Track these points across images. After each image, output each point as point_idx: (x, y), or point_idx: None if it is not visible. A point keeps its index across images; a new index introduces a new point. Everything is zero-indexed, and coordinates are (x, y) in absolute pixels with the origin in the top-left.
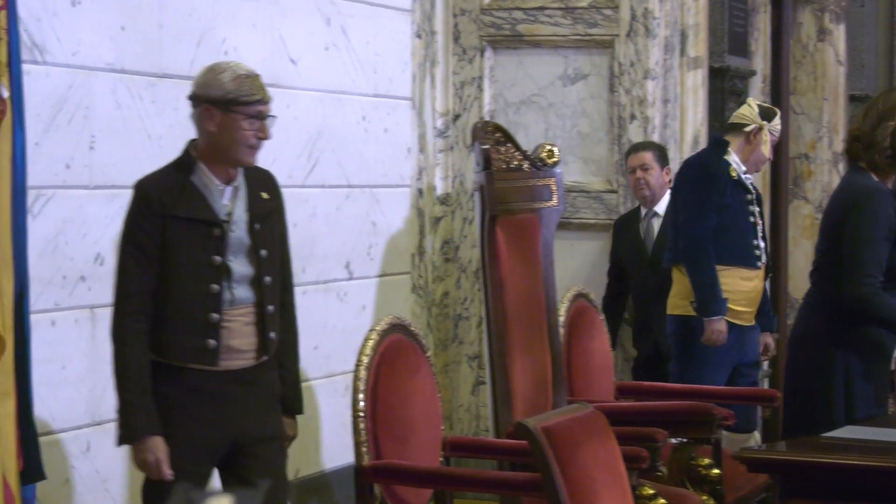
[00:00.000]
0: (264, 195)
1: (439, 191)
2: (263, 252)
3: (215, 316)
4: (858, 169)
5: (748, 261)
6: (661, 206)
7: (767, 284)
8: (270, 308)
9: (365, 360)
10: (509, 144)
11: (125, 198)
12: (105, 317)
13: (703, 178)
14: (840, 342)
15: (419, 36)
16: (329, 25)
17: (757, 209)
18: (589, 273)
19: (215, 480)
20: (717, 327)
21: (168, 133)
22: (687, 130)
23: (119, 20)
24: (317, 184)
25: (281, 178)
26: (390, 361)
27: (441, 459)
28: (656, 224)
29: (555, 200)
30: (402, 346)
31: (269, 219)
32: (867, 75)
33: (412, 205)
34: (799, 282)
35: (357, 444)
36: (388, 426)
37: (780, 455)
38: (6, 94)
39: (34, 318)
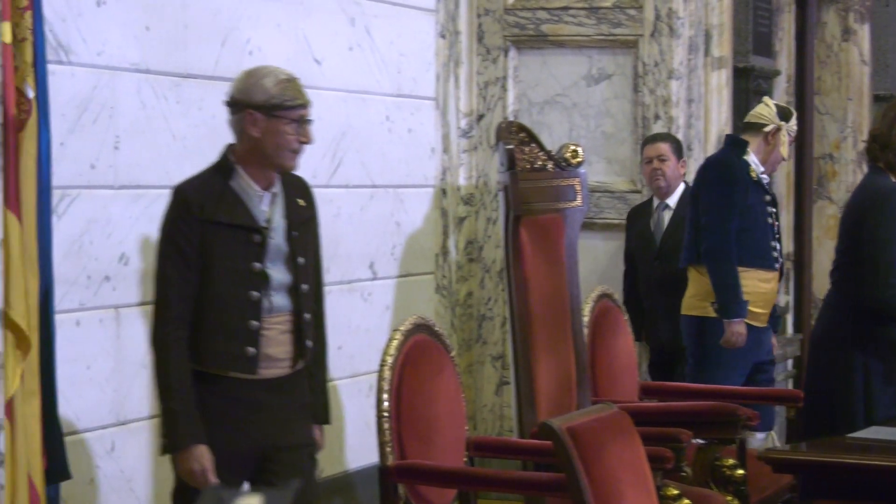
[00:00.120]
0: (301, 202)
1: (463, 191)
2: (301, 260)
3: (255, 323)
4: (878, 169)
5: (767, 263)
6: (674, 199)
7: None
8: (307, 316)
9: (389, 360)
10: (533, 144)
11: (150, 198)
12: (130, 316)
13: (727, 180)
14: (860, 343)
15: (443, 36)
16: (353, 25)
17: (774, 210)
18: (613, 273)
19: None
20: (738, 329)
21: (192, 133)
22: (711, 130)
23: (144, 20)
24: (341, 184)
25: (305, 179)
26: (414, 361)
27: (465, 460)
28: (667, 216)
29: (579, 201)
30: (427, 346)
31: (306, 226)
32: (892, 75)
33: (436, 205)
34: (823, 282)
35: (381, 444)
36: (413, 426)
37: (806, 455)
38: (32, 95)
39: (59, 318)
